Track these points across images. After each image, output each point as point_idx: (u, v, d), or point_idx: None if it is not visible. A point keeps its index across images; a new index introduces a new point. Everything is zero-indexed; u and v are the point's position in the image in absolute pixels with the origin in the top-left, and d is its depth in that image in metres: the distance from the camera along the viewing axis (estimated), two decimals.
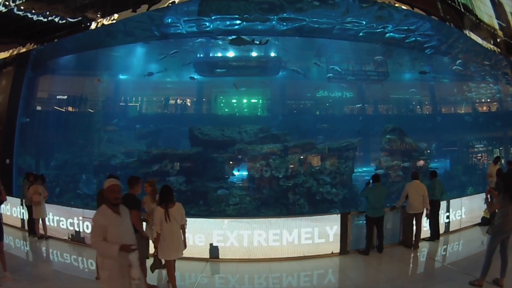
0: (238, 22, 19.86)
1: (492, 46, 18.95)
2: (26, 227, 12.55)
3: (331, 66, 27.60)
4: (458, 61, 24.90)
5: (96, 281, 8.14)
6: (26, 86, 19.35)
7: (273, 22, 19.86)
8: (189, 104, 31.36)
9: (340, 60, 28.02)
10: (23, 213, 12.72)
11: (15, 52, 18.44)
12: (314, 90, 30.29)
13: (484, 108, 29.88)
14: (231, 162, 22.34)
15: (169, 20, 18.85)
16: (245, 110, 30.83)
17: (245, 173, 21.86)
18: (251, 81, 27.74)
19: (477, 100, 30.08)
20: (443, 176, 22.03)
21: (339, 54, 27.27)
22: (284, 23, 19.99)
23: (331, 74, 27.77)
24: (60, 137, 23.60)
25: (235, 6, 18.05)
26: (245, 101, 31.09)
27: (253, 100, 31.24)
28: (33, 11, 18.35)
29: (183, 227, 6.87)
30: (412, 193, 10.21)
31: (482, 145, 26.52)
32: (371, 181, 10.31)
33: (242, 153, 22.11)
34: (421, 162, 21.95)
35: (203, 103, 31.20)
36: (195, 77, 27.50)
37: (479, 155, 26.43)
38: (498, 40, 19.38)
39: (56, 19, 17.62)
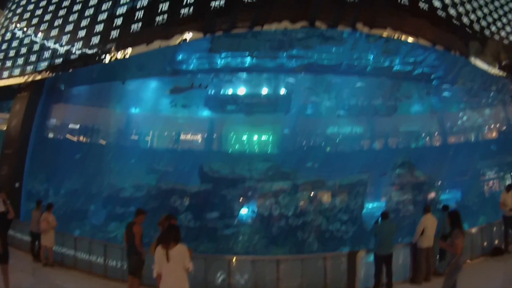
0: (248, 59, 20.30)
1: (497, 71, 18.95)
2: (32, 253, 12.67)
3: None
4: (444, 92, 25.00)
5: None
6: (40, 113, 19.83)
7: (282, 59, 20.24)
8: (200, 140, 31.51)
9: (349, 96, 28.04)
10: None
11: (30, 79, 18.92)
12: (324, 127, 30.36)
13: (494, 134, 29.33)
14: (240, 200, 22.25)
15: (181, 56, 19.37)
16: (255, 147, 30.84)
17: (254, 210, 21.66)
18: (261, 118, 27.88)
19: (486, 127, 29.70)
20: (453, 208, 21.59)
21: (348, 90, 27.28)
22: (293, 60, 20.35)
23: (342, 111, 27.93)
24: (71, 165, 23.62)
25: (245, 43, 18.50)
26: (255, 138, 31.13)
27: (263, 137, 31.26)
28: (50, 38, 19.01)
29: (187, 272, 6.35)
30: (428, 227, 10.01)
31: (494, 172, 25.94)
32: (379, 219, 10.14)
33: (252, 191, 22.15)
34: (432, 195, 21.69)
35: (214, 139, 31.34)
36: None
37: (491, 182, 25.80)
38: (503, 63, 19.39)
39: (73, 49, 18.20)
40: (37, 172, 21.18)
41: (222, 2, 16.05)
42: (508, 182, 23.48)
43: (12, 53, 19.86)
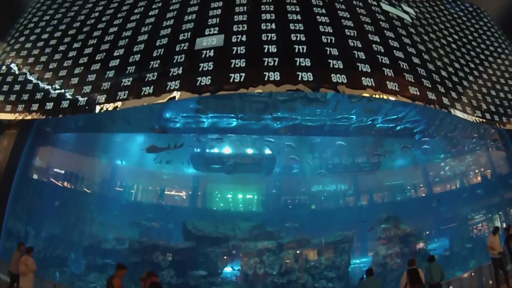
0: (233, 120, 20.78)
1: (476, 118, 19.38)
2: None
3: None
4: (426, 144, 25.71)
5: None
6: (26, 152, 19.60)
7: (267, 121, 20.75)
8: (184, 196, 31.42)
9: (332, 155, 28.66)
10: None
11: (20, 117, 18.84)
12: (308, 185, 30.65)
13: (478, 178, 29.65)
14: (224, 258, 22.06)
15: (168, 114, 19.73)
16: (240, 205, 30.81)
17: (238, 269, 21.42)
18: (246, 177, 28.13)
19: (471, 172, 29.99)
20: (443, 256, 21.97)
21: (331, 149, 27.93)
22: (278, 122, 20.83)
23: (323, 170, 28.36)
24: (54, 209, 22.97)
25: (231, 105, 18.95)
26: (240, 196, 31.21)
27: (248, 196, 31.34)
28: (44, 80, 19.25)
29: None
30: None
31: (481, 215, 26.14)
32: (364, 275, 10.27)
33: (236, 250, 22.10)
34: (420, 245, 21.76)
35: (198, 196, 31.21)
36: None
37: (479, 225, 25.94)
38: (483, 108, 20.01)
39: (65, 95, 18.32)
40: (19, 212, 20.47)
41: (211, 64, 16.69)
42: (496, 223, 23.76)
43: (6, 88, 19.81)
